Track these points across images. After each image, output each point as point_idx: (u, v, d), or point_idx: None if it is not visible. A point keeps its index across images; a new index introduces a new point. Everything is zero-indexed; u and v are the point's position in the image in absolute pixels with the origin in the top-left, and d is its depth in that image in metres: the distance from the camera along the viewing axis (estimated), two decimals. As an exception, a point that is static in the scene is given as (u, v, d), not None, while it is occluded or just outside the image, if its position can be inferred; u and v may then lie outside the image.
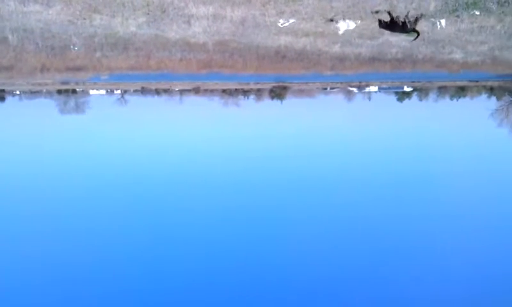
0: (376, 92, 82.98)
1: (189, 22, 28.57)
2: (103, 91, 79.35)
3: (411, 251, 65.41)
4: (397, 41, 32.88)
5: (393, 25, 27.91)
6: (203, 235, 66.83)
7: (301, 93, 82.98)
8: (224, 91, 78.11)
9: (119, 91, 78.44)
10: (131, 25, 29.21)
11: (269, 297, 59.67)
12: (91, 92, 79.48)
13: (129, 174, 76.80)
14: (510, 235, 67.47)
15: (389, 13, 27.42)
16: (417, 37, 28.44)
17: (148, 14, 27.50)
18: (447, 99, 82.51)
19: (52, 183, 73.43)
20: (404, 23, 27.42)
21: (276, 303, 60.12)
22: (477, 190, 76.48)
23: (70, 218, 66.44)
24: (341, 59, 40.13)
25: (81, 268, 59.31)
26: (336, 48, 36.88)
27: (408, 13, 27.04)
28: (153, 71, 43.12)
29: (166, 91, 74.66)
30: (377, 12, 26.84)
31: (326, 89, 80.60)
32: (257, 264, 63.46)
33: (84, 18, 28.91)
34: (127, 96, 79.19)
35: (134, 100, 79.17)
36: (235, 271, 62.74)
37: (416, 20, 27.44)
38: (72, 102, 79.46)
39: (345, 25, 28.73)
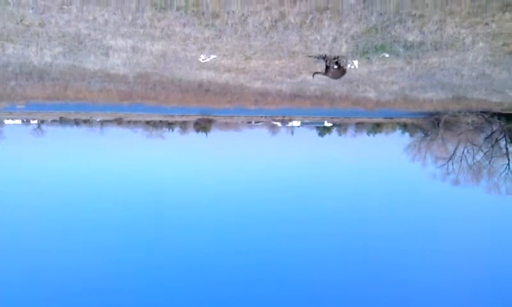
0: (298, 126, 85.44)
1: (107, 54, 28.01)
2: (19, 121, 75.37)
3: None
4: (314, 79, 34.13)
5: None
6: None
7: (226, 126, 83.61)
8: (148, 122, 76.90)
9: (36, 121, 74.88)
10: (46, 55, 28.14)
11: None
12: (6, 121, 75.28)
13: (45, 208, 73.22)
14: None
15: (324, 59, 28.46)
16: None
17: (64, 44, 26.66)
18: (364, 134, 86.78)
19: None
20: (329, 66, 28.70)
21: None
22: (390, 219, 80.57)
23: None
24: (263, 95, 41.03)
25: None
26: (258, 85, 37.65)
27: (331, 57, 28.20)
28: (72, 101, 41.73)
29: (85, 121, 72.23)
30: (293, 52, 27.85)
31: (250, 122, 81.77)
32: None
33: (-4, 47, 27.52)
34: (44, 127, 75.60)
35: (52, 130, 75.81)
36: None
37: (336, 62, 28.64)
38: (-16, 132, 74.87)
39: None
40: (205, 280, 66.64)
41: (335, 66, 28.52)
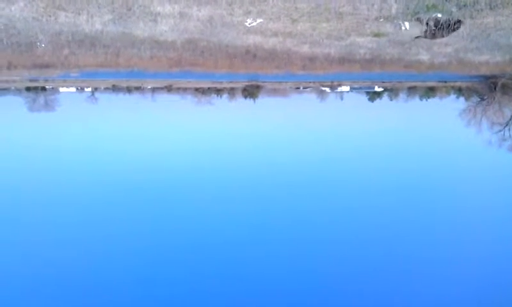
0: (347, 92, 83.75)
1: (155, 20, 28.41)
2: (73, 89, 78.04)
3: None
4: (364, 42, 33.26)
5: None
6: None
7: (274, 92, 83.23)
8: (197, 89, 77.79)
9: (89, 89, 77.45)
10: (96, 22, 28.88)
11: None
12: (61, 89, 78.13)
13: (100, 173, 75.95)
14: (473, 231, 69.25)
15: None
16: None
17: (114, 12, 27.25)
18: (417, 99, 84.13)
19: (21, 181, 72.12)
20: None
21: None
22: (444, 188, 78.31)
23: (34, 216, 65.47)
24: (311, 59, 40.38)
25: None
26: (306, 49, 37.09)
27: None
28: (124, 68, 42.74)
29: (137, 88, 73.97)
30: (341, 14, 27.15)
31: (298, 88, 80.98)
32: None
33: (49, 15, 28.46)
34: (97, 94, 78.21)
35: (105, 97, 78.20)
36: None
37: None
38: (41, 100, 78.24)
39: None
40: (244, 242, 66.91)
41: (433, 27, 27.77)
